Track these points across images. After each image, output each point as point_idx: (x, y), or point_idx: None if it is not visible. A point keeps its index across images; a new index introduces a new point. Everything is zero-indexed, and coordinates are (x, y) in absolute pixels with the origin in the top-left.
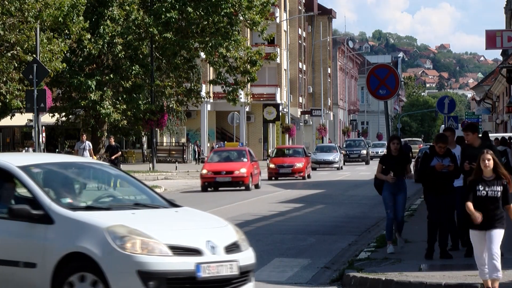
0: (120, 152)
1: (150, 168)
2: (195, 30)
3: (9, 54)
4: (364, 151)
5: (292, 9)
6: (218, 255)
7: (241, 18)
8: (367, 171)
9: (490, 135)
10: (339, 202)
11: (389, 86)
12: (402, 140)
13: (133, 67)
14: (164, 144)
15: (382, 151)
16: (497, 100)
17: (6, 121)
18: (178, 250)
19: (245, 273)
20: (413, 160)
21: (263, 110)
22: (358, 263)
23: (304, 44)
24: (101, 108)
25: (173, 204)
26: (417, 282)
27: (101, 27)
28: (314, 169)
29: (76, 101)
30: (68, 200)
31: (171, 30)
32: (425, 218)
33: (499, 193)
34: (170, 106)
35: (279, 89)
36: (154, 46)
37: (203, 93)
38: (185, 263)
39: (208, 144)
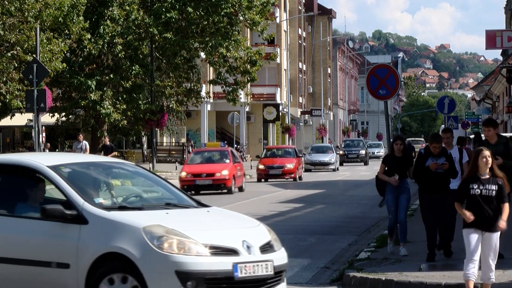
0: (115, 152)
1: (150, 168)
2: (195, 30)
3: (9, 54)
4: (363, 151)
5: (292, 9)
6: (254, 255)
7: (241, 18)
8: (367, 171)
9: None
10: (339, 202)
11: (389, 86)
12: (406, 140)
13: (133, 67)
14: (164, 144)
15: (379, 151)
16: (497, 100)
17: (6, 121)
18: (216, 250)
19: (279, 273)
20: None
21: (263, 110)
22: (358, 263)
23: (304, 44)
24: (101, 108)
25: (201, 204)
26: (417, 282)
27: (101, 27)
28: (309, 170)
29: (76, 101)
30: (100, 200)
31: (171, 30)
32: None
33: (494, 192)
34: (170, 106)
35: (279, 89)
36: (154, 46)
37: (203, 93)
38: (222, 263)
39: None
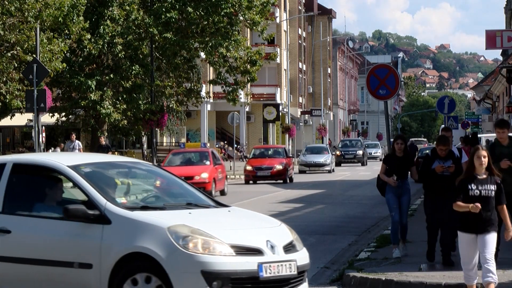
0: (111, 152)
1: None
2: (195, 30)
3: (9, 54)
4: (360, 152)
5: (292, 9)
6: (278, 254)
7: (241, 18)
8: (367, 171)
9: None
10: (339, 202)
11: (389, 86)
12: (409, 140)
13: (133, 67)
14: (164, 144)
15: (376, 151)
16: (497, 100)
17: (6, 121)
18: (241, 250)
19: (301, 273)
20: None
21: (263, 110)
22: (358, 263)
23: (304, 44)
24: (101, 108)
25: (220, 203)
26: (417, 282)
27: (101, 27)
28: (303, 172)
29: (76, 101)
30: (122, 200)
31: (171, 30)
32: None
33: (493, 192)
34: (170, 106)
35: (279, 89)
36: (154, 46)
37: (203, 93)
38: (247, 263)
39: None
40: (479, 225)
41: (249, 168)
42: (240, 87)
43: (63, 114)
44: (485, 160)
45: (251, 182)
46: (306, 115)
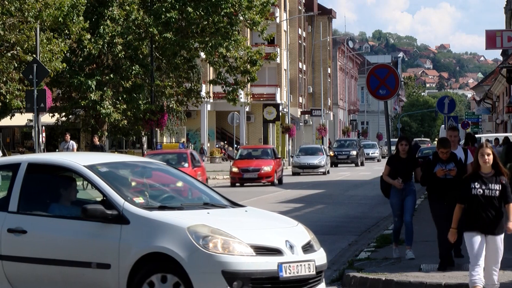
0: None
1: None
2: (195, 30)
3: (9, 54)
4: (354, 152)
5: (292, 9)
6: (297, 254)
7: (241, 18)
8: (367, 171)
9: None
10: (339, 202)
11: (389, 86)
12: (412, 140)
13: (133, 67)
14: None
15: (374, 152)
16: (497, 100)
17: (6, 121)
18: (261, 250)
19: (319, 273)
20: None
21: (263, 110)
22: (358, 263)
23: (304, 44)
24: (101, 108)
25: (235, 203)
26: (417, 282)
27: (101, 27)
28: (297, 174)
29: (76, 101)
30: (140, 200)
31: (171, 30)
32: (425, 218)
33: (497, 192)
34: (170, 106)
35: (279, 89)
36: (154, 46)
37: (203, 93)
38: (268, 263)
39: (209, 144)
40: (484, 226)
41: (235, 170)
42: (240, 87)
43: (63, 114)
44: (489, 158)
45: (237, 184)
46: (306, 115)
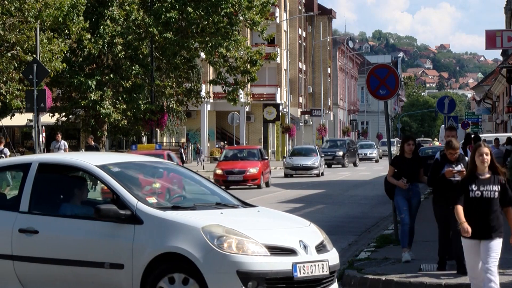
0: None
1: None
2: (195, 30)
3: (9, 54)
4: (340, 153)
5: (292, 9)
6: (311, 254)
7: (241, 18)
8: (367, 171)
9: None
10: (339, 202)
11: (389, 86)
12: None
13: (133, 67)
14: (164, 144)
15: (372, 152)
16: (497, 100)
17: (6, 121)
18: (275, 250)
19: (332, 273)
20: None
21: (263, 110)
22: (358, 263)
23: (304, 44)
24: (101, 108)
25: (247, 203)
26: (417, 282)
27: (101, 27)
28: (290, 175)
29: (76, 101)
30: (153, 200)
31: (171, 30)
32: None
33: (496, 193)
34: (170, 106)
35: (279, 89)
36: (154, 46)
37: (203, 93)
38: (282, 263)
39: (208, 144)
40: (481, 230)
41: (219, 172)
42: (240, 87)
43: (63, 114)
44: (487, 158)
45: (222, 187)
46: (306, 115)
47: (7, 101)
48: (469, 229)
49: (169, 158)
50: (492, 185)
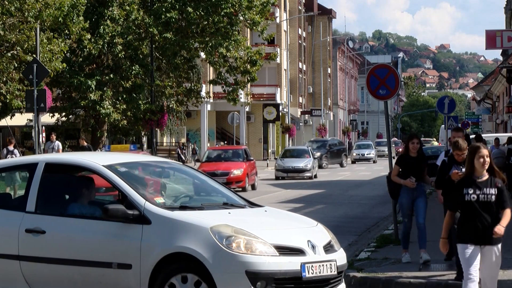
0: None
1: None
2: (195, 30)
3: (9, 54)
4: (318, 154)
5: (292, 9)
6: (319, 254)
7: (241, 18)
8: (367, 171)
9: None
10: (339, 202)
11: (389, 86)
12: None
13: (133, 67)
14: (164, 144)
15: (369, 153)
16: (497, 100)
17: (6, 121)
18: (284, 250)
19: (340, 273)
20: None
21: (263, 110)
22: (358, 263)
23: (304, 44)
24: (101, 108)
25: (253, 203)
26: (417, 282)
27: (101, 27)
28: (281, 178)
29: (76, 101)
30: (161, 200)
31: (171, 30)
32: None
33: (493, 197)
34: (170, 106)
35: (279, 89)
36: (154, 46)
37: (203, 93)
38: (291, 263)
39: (208, 144)
40: (479, 235)
41: None
42: (240, 87)
43: (63, 114)
44: (487, 160)
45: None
46: (306, 115)
47: (7, 101)
48: (445, 249)
49: None
50: (489, 188)
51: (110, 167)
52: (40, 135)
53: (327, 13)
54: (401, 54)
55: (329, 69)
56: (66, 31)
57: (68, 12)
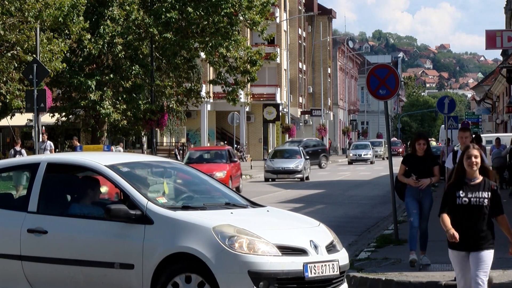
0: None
1: None
2: (195, 30)
3: (9, 54)
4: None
5: (292, 9)
6: (322, 255)
7: (241, 18)
8: (367, 171)
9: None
10: (339, 202)
11: (389, 86)
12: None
13: (133, 67)
14: (164, 144)
15: (366, 154)
16: (497, 100)
17: (6, 121)
18: (286, 250)
19: (342, 273)
20: None
21: (263, 110)
22: (358, 263)
23: (304, 44)
24: (101, 108)
25: (255, 203)
26: (417, 282)
27: (101, 27)
28: (271, 179)
29: (76, 101)
30: (163, 200)
31: (171, 30)
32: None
33: (486, 201)
34: (170, 106)
35: (279, 89)
36: (154, 46)
37: (203, 93)
38: (293, 263)
39: (208, 144)
40: (469, 241)
41: None
42: (240, 87)
43: (63, 114)
44: (476, 161)
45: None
46: (306, 115)
47: (7, 101)
48: (456, 235)
49: None
50: (482, 191)
51: (112, 167)
52: (40, 135)
53: (327, 13)
54: (401, 54)
55: (329, 69)
56: (66, 31)
57: (68, 12)
